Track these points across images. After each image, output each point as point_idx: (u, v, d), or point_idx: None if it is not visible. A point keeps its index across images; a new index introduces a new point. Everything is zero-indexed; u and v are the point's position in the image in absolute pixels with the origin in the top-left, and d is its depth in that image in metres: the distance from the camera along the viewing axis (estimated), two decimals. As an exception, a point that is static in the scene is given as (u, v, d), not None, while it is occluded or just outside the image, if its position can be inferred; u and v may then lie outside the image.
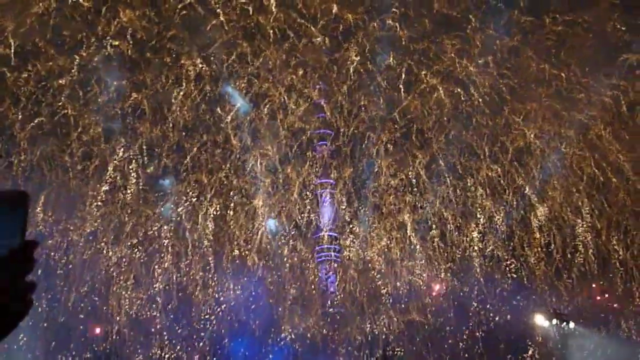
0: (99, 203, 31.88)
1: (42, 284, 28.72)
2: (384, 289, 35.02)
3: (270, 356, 33.97)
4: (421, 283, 35.29)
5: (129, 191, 32.37)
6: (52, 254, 31.09)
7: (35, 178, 30.94)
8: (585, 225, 34.89)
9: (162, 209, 33.46)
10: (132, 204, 32.60)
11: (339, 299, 35.23)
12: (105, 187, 31.99)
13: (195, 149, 33.01)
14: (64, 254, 31.56)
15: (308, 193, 34.90)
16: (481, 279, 34.83)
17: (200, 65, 32.52)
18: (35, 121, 30.69)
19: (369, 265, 35.32)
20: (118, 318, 32.22)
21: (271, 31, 32.62)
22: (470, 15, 33.18)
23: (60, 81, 30.70)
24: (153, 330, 32.90)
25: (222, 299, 33.63)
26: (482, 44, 33.78)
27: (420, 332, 34.44)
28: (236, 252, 33.68)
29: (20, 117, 30.52)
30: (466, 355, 34.46)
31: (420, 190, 34.96)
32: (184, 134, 32.90)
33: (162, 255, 33.04)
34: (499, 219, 35.08)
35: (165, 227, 33.11)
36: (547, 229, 35.14)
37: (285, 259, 34.41)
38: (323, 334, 34.14)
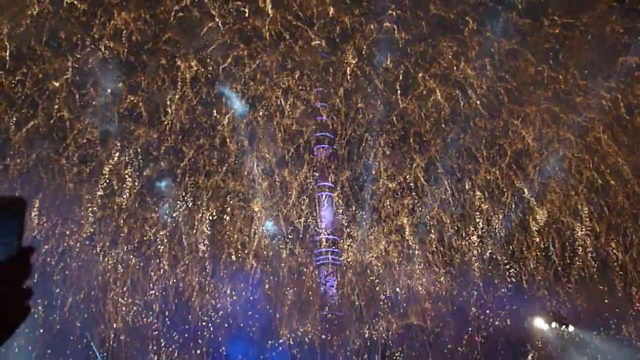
0: (94, 208, 31.72)
1: (39, 289, 28.54)
2: (383, 292, 34.86)
3: (268, 361, 33.84)
4: (420, 287, 35.11)
5: (124, 195, 32.21)
6: (48, 259, 30.89)
7: (31, 182, 30.77)
8: (584, 229, 34.76)
9: (159, 211, 33.30)
10: (129, 208, 32.43)
11: (337, 303, 35.06)
12: (100, 193, 31.83)
13: (191, 152, 32.90)
14: (60, 259, 31.36)
15: (306, 197, 34.79)
16: (480, 283, 34.67)
17: (196, 68, 32.45)
18: (30, 124, 30.56)
19: (367, 269, 35.16)
20: (115, 325, 32.02)
21: (267, 34, 32.61)
22: (467, 17, 33.18)
23: (56, 83, 30.59)
24: (150, 335, 32.67)
25: (219, 305, 33.43)
26: (480, 46, 33.78)
27: (419, 337, 34.26)
28: (234, 256, 33.50)
29: (15, 120, 30.42)
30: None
31: (418, 193, 34.88)
32: (180, 137, 32.81)
33: (159, 259, 32.86)
34: (497, 222, 34.97)
35: (162, 233, 32.93)
36: (546, 232, 35.02)
37: (283, 263, 34.24)
38: (321, 338, 33.95)
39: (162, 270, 32.90)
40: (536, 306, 35.12)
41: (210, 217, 33.30)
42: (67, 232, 31.69)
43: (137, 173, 32.51)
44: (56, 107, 30.83)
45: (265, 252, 33.96)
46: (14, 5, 29.61)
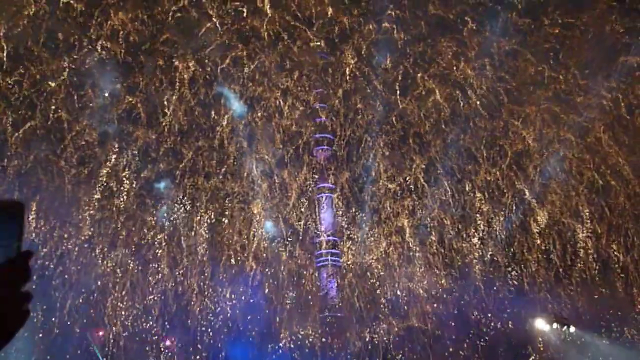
0: (92, 211, 31.59)
1: (38, 293, 28.41)
2: (383, 295, 34.72)
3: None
4: (420, 289, 34.96)
5: (123, 197, 32.08)
6: (47, 263, 30.75)
7: (29, 183, 30.65)
8: (585, 230, 34.62)
9: (158, 213, 33.18)
10: (128, 210, 32.31)
11: (338, 306, 34.92)
12: (98, 195, 31.71)
13: (190, 153, 32.80)
14: (59, 262, 31.23)
15: (305, 200, 34.68)
16: (481, 285, 34.51)
17: (194, 69, 32.37)
18: (28, 125, 30.45)
19: (367, 271, 35.03)
20: (114, 329, 31.87)
21: (266, 34, 32.53)
22: (466, 17, 33.08)
23: (52, 84, 30.49)
24: (149, 339, 32.53)
25: (218, 308, 33.30)
26: (479, 46, 33.68)
27: (420, 339, 34.09)
28: (233, 258, 33.36)
29: (12, 121, 30.32)
30: (467, 362, 34.21)
31: (418, 194, 34.75)
32: (179, 138, 32.71)
33: (159, 262, 32.73)
34: (498, 223, 34.83)
35: (160, 236, 32.80)
36: (547, 234, 34.88)
37: (282, 266, 34.10)
38: (322, 341, 33.81)
39: (161, 273, 32.77)
40: (537, 308, 34.98)
41: (210, 220, 33.19)
42: (66, 235, 31.56)
43: (136, 175, 32.42)
44: (54, 108, 30.75)
45: (265, 255, 33.83)
46: (11, 5, 29.54)
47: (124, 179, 32.11)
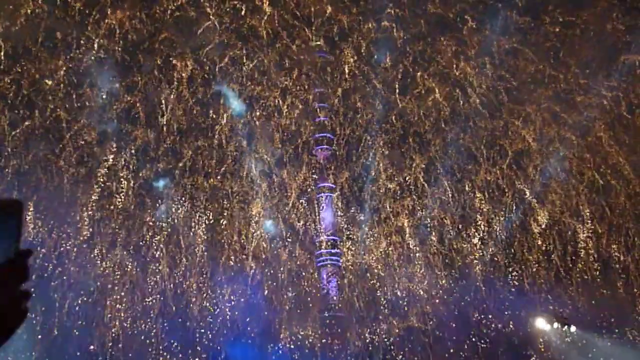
0: (91, 211, 31.54)
1: (36, 294, 28.33)
2: (383, 295, 34.65)
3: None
4: (421, 289, 34.88)
5: (122, 196, 32.04)
6: (46, 263, 30.70)
7: (28, 183, 30.61)
8: (585, 229, 34.52)
9: (157, 213, 33.13)
10: (127, 209, 32.26)
11: (338, 305, 34.86)
12: (97, 195, 31.66)
13: (189, 152, 32.75)
14: (58, 262, 31.17)
15: (304, 200, 34.63)
16: (481, 285, 34.43)
17: (192, 68, 32.33)
18: (26, 124, 30.41)
19: (367, 271, 34.96)
20: (113, 330, 31.80)
21: (264, 33, 32.49)
22: (466, 16, 33.02)
23: (49, 82, 30.45)
24: (148, 341, 32.45)
25: (218, 309, 33.23)
26: (479, 45, 33.62)
27: (420, 339, 34.01)
28: (232, 258, 33.30)
29: (10, 120, 30.28)
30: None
31: (418, 193, 34.67)
32: (178, 137, 32.67)
33: (158, 262, 32.66)
34: (498, 223, 34.75)
35: (158, 236, 32.74)
36: (547, 234, 34.79)
37: (282, 266, 34.05)
38: (322, 341, 33.74)
39: (160, 273, 32.71)
40: (538, 308, 34.89)
41: (209, 219, 33.13)
42: (64, 235, 31.51)
43: (135, 174, 32.38)
44: (52, 107, 30.70)
45: (264, 254, 33.77)
46: (9, 4, 29.50)
47: (123, 178, 32.08)
